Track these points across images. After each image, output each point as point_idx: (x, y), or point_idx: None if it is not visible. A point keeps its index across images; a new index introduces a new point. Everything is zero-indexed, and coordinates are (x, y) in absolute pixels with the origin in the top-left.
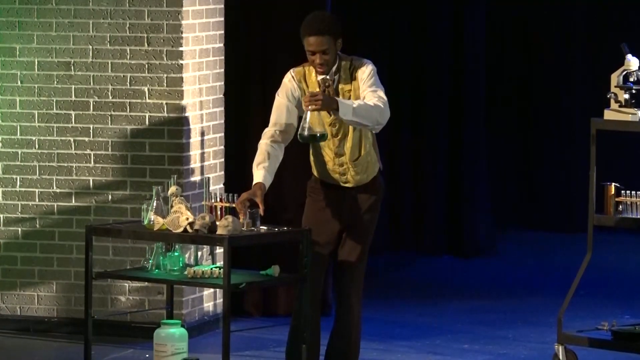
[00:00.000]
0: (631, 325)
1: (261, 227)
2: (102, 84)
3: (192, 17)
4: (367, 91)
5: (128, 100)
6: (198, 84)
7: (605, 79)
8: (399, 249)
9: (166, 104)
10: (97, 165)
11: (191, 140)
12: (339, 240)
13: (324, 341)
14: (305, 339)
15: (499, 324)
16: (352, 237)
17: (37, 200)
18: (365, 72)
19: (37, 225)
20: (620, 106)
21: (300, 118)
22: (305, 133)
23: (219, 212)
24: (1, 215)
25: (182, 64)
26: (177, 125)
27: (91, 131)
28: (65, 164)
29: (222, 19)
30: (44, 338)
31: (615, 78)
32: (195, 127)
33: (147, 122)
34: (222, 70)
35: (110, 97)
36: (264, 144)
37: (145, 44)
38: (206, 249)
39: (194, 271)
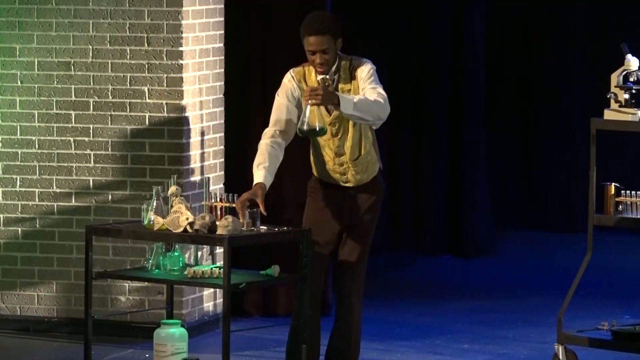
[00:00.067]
0: (631, 325)
1: (261, 227)
2: (102, 84)
3: (192, 17)
4: (367, 88)
5: (128, 100)
6: (198, 84)
7: (605, 79)
8: (399, 249)
9: (166, 104)
10: (97, 165)
11: (191, 140)
12: (339, 240)
13: (324, 341)
14: (305, 339)
15: (499, 324)
16: (353, 237)
17: (37, 200)
18: (365, 71)
19: (37, 225)
20: (620, 106)
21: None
22: (305, 127)
23: (219, 212)
24: (1, 215)
25: (182, 64)
26: (177, 125)
27: (91, 131)
28: (65, 164)
29: (222, 19)
30: (44, 338)
31: (615, 78)
32: (195, 127)
33: (147, 122)
34: (222, 70)
35: (110, 97)
36: (264, 144)
37: (145, 44)
38: (206, 249)
39: (194, 271)
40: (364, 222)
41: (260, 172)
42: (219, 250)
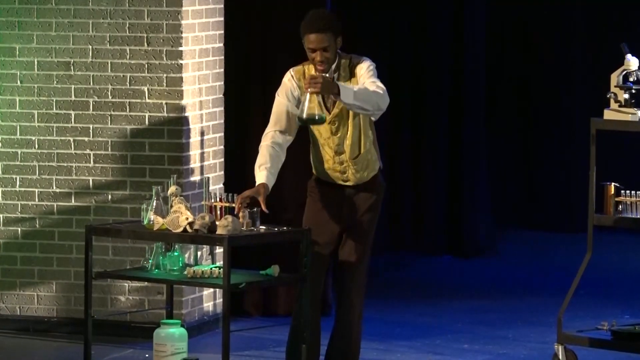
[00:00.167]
0: (631, 325)
1: (261, 227)
2: (101, 84)
3: (191, 17)
4: (366, 82)
5: (128, 100)
6: (198, 84)
7: (605, 79)
8: (399, 249)
9: (166, 103)
10: (97, 165)
11: (191, 140)
12: (340, 240)
13: (324, 341)
14: (305, 339)
15: (499, 324)
16: (353, 237)
17: (36, 200)
18: (364, 68)
19: (37, 225)
20: (620, 106)
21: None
22: (304, 115)
23: (218, 212)
24: (1, 215)
25: (181, 64)
26: (177, 125)
27: (91, 131)
28: (65, 164)
29: (222, 19)
30: (44, 338)
31: (615, 78)
32: (195, 127)
33: (146, 122)
34: (222, 70)
35: (110, 97)
36: (264, 146)
37: (145, 43)
38: (206, 248)
39: (194, 271)
40: (364, 222)
41: (262, 173)
42: (219, 250)
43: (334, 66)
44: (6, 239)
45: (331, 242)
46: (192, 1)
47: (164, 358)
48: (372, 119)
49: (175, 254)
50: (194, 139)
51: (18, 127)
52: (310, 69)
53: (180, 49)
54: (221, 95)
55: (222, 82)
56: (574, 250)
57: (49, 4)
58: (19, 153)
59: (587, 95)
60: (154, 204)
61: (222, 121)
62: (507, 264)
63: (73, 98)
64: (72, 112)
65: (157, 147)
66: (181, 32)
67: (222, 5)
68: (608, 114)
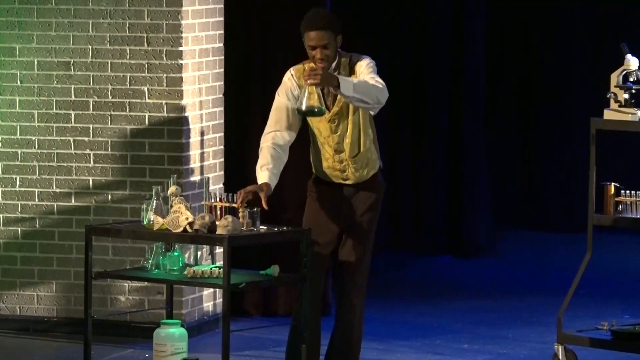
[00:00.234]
0: (631, 325)
1: (261, 227)
2: (101, 84)
3: (191, 17)
4: (366, 77)
5: (128, 100)
6: (198, 84)
7: (605, 79)
8: (399, 249)
9: (166, 103)
10: (97, 165)
11: (191, 140)
12: (340, 240)
13: (324, 341)
14: (305, 339)
15: (499, 324)
16: (353, 236)
17: (36, 200)
18: (363, 65)
19: (37, 225)
20: (620, 106)
21: (301, 118)
22: (303, 107)
23: (218, 212)
24: (1, 215)
25: (181, 64)
26: (177, 125)
27: (91, 131)
28: (65, 164)
29: (222, 18)
30: (44, 338)
31: (615, 78)
32: (195, 127)
33: (146, 122)
34: (222, 70)
35: (110, 97)
36: (265, 147)
37: (145, 43)
38: (206, 248)
39: (194, 271)
40: (363, 221)
41: (265, 173)
42: (219, 250)
43: (334, 65)
44: (6, 239)
45: (331, 241)
46: (192, 1)
47: (164, 358)
48: (371, 113)
49: (175, 254)
50: (194, 139)
51: (18, 127)
52: None
53: (180, 49)
54: (221, 95)
55: (222, 82)
56: (574, 250)
57: (49, 4)
58: (19, 153)
59: (587, 95)
60: (154, 204)
61: (222, 121)
62: (507, 264)
63: (73, 98)
64: (72, 112)
65: (157, 147)
66: (181, 32)
67: (222, 5)
68: (608, 114)
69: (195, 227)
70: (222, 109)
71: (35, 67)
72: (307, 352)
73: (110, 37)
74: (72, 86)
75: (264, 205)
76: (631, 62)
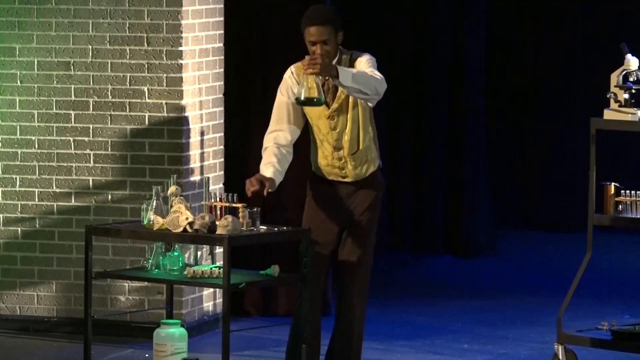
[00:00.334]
0: (631, 325)
1: (261, 227)
2: (101, 84)
3: (191, 17)
4: (365, 69)
5: (128, 100)
6: (197, 84)
7: (605, 79)
8: (399, 249)
9: (166, 103)
10: (97, 165)
11: (191, 140)
12: (340, 239)
13: (324, 341)
14: (305, 339)
15: (499, 324)
16: (352, 236)
17: (36, 200)
18: (363, 61)
19: (37, 225)
20: (620, 106)
21: (302, 115)
22: (302, 97)
23: (218, 212)
24: (1, 215)
25: (181, 64)
26: (177, 125)
27: (91, 131)
28: (65, 164)
29: (222, 18)
30: (44, 338)
31: (615, 78)
32: (194, 127)
33: (146, 122)
34: (222, 70)
35: (110, 97)
36: (269, 147)
37: (145, 43)
38: (206, 248)
39: (194, 271)
40: (363, 220)
41: (270, 169)
42: (219, 250)
43: (334, 61)
44: (6, 239)
45: (331, 241)
46: (192, 1)
47: (164, 358)
48: (370, 104)
49: (175, 254)
50: (194, 139)
51: (18, 127)
52: None
53: (180, 49)
54: (221, 95)
55: (222, 82)
56: (574, 250)
57: (49, 4)
58: (19, 153)
59: (587, 95)
60: (154, 204)
61: (222, 121)
62: (507, 264)
63: (73, 98)
64: (72, 112)
65: (157, 147)
66: (181, 32)
67: (222, 5)
68: (608, 114)
69: (195, 227)
70: (222, 109)
71: (35, 67)
72: (307, 352)
73: (110, 37)
74: (72, 86)
75: (265, 192)
76: (631, 62)
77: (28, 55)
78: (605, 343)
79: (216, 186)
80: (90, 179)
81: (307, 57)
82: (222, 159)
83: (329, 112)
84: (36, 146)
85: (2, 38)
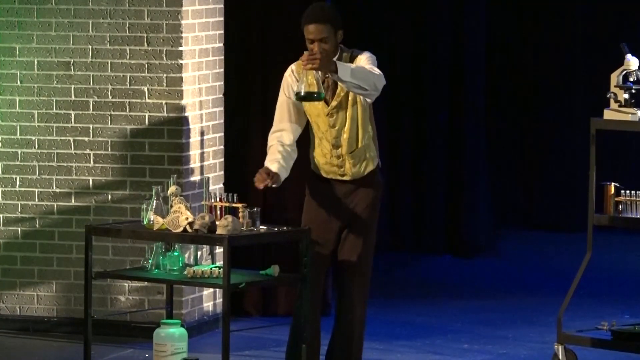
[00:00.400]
0: (631, 325)
1: (261, 227)
2: (101, 84)
3: (191, 17)
4: (364, 65)
5: (128, 100)
6: (197, 84)
7: (605, 79)
8: (399, 249)
9: (166, 103)
10: (97, 165)
11: (191, 140)
12: (340, 239)
13: (324, 341)
14: (305, 339)
15: (499, 324)
16: (352, 235)
17: (36, 200)
18: (363, 59)
19: (37, 225)
20: (620, 106)
21: (304, 113)
22: (302, 92)
23: (218, 212)
24: (1, 215)
25: (181, 64)
26: (177, 125)
27: (91, 131)
28: (65, 164)
29: (222, 18)
30: (44, 338)
31: (615, 78)
32: (194, 127)
33: (146, 122)
34: (222, 70)
35: (110, 97)
36: (273, 145)
37: (145, 43)
38: (206, 248)
39: (194, 271)
40: (362, 219)
41: (275, 165)
42: (219, 250)
43: (335, 59)
44: (6, 239)
45: (331, 240)
46: (192, 1)
47: (164, 358)
48: (369, 100)
49: (175, 254)
50: (194, 139)
51: (18, 127)
52: None
53: (180, 49)
54: (221, 95)
55: (222, 82)
56: (574, 250)
57: (49, 4)
58: (19, 153)
59: (587, 95)
60: (154, 204)
61: (222, 121)
62: (507, 264)
63: (73, 98)
64: (72, 112)
65: (157, 147)
66: (181, 32)
67: (222, 5)
68: (608, 114)
69: (195, 227)
70: (222, 109)
71: (35, 67)
72: (307, 352)
73: (110, 37)
74: (72, 86)
75: (268, 184)
76: (631, 62)
77: (28, 55)
78: (605, 343)
79: (216, 186)
80: (90, 179)
81: (306, 53)
82: (222, 159)
83: (328, 110)
84: (36, 146)
85: (2, 38)
